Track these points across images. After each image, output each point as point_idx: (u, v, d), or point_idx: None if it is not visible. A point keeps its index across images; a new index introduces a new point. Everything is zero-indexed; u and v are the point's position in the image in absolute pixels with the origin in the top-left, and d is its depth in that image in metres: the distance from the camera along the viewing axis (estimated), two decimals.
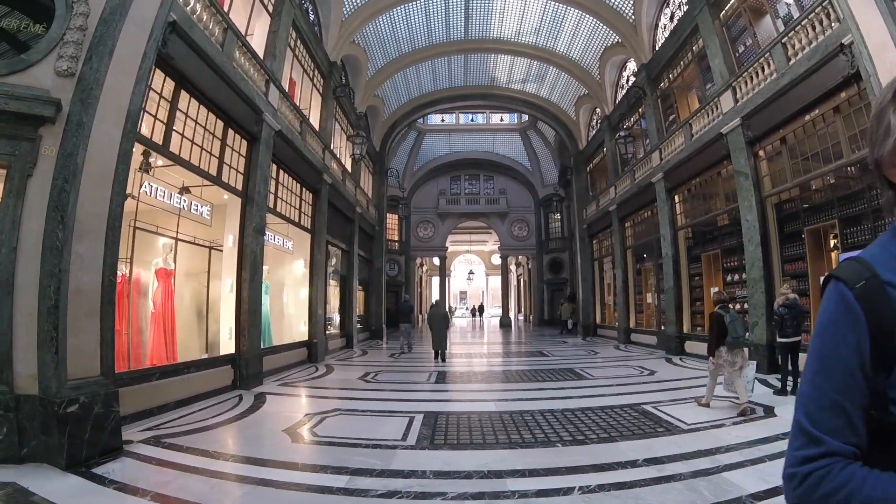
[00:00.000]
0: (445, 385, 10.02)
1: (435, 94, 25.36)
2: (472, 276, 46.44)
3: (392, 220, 32.11)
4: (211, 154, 9.59)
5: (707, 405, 7.43)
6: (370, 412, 7.53)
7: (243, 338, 10.01)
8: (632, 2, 16.48)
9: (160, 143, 7.92)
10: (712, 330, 7.59)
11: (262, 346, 11.46)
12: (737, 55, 12.38)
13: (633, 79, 17.97)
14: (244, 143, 10.78)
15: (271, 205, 12.27)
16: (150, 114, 7.67)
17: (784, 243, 10.55)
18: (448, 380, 10.66)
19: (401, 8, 18.53)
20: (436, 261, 37.11)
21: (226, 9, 10.41)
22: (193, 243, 10.03)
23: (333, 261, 18.09)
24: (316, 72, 16.39)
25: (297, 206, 14.34)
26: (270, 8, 12.56)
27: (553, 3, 18.28)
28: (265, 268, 12.77)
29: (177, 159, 8.40)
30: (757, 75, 10.85)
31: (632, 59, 18.33)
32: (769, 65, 10.44)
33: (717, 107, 12.28)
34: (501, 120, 33.50)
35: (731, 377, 7.26)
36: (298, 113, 13.84)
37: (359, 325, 22.06)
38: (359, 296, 22.78)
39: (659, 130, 16.14)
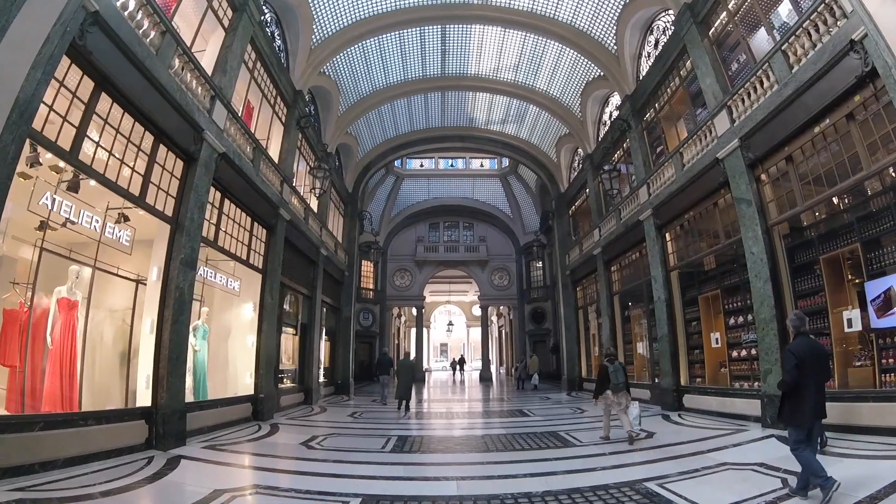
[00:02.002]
0: (402, 455, 8.13)
1: (411, 136, 24.44)
2: (452, 328, 44.37)
3: (367, 267, 30.59)
4: (134, 170, 8.22)
5: (607, 438, 8.67)
6: (295, 494, 5.68)
7: (161, 389, 8.32)
8: (614, 31, 15.63)
9: (67, 148, 6.68)
10: (598, 378, 9.21)
11: (194, 399, 10.15)
12: (729, 74, 11.31)
13: (615, 113, 16.98)
14: (179, 162, 9.41)
15: (212, 237, 10.78)
16: (59, 114, 6.61)
17: (796, 277, 9.08)
18: (408, 447, 8.77)
19: (374, 40, 17.58)
20: (414, 311, 35.35)
21: (170, 14, 9.22)
22: (116, 275, 8.74)
23: (289, 306, 16.29)
24: (278, 99, 15.15)
25: (247, 243, 12.72)
26: (226, 22, 11.45)
27: (533, 36, 17.49)
28: (204, 310, 11.38)
29: (87, 171, 7.11)
30: (755, 90, 9.70)
31: (615, 94, 17.44)
32: (768, 77, 9.31)
33: (711, 130, 11.08)
34: (482, 165, 32.64)
35: (619, 414, 8.61)
36: (251, 138, 12.47)
37: (323, 379, 20.11)
38: (324, 346, 20.89)
39: (646, 164, 14.96)
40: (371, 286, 30.89)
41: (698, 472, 6.20)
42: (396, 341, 41.69)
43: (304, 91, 16.26)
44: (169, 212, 9.04)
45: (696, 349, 12.40)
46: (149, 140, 8.56)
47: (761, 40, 10.72)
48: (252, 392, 12.43)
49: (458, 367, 35.07)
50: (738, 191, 10.02)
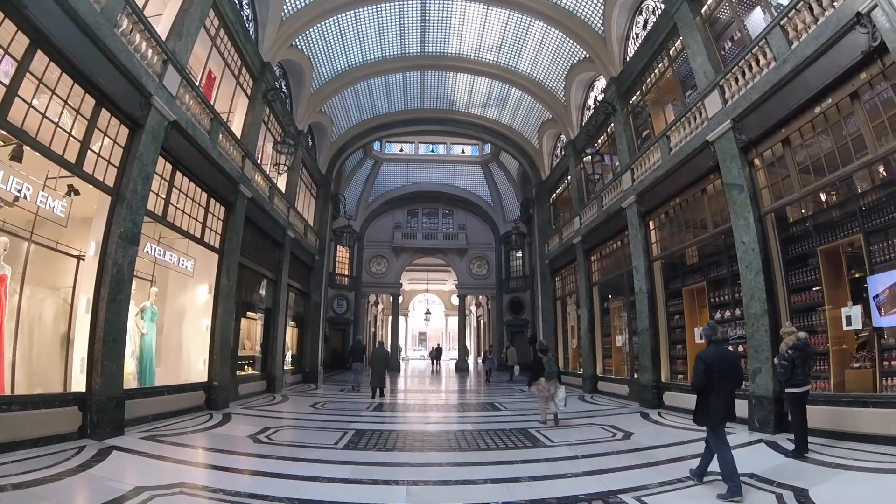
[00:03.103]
0: (355, 453, 7.34)
1: (389, 117, 23.45)
2: (430, 316, 43.64)
3: (342, 252, 29.64)
4: (70, 135, 7.39)
5: (545, 423, 9.82)
6: (223, 496, 4.90)
7: (96, 373, 7.58)
8: (601, 11, 14.84)
9: None
10: (534, 367, 10.41)
11: (139, 385, 9.53)
12: (722, 53, 10.61)
13: (600, 97, 16.22)
14: (123, 130, 8.52)
15: (160, 212, 9.86)
16: None
17: (790, 269, 8.43)
18: (363, 443, 7.98)
19: (350, 14, 16.58)
20: (391, 298, 34.54)
21: None
22: (55, 249, 8.06)
23: (250, 289, 15.35)
24: (243, 70, 14.10)
25: (202, 220, 11.77)
26: None
27: (517, 15, 16.65)
28: (153, 290, 10.57)
29: (18, 134, 6.54)
30: (750, 68, 9.01)
31: (600, 77, 16.70)
32: (765, 54, 8.63)
33: (702, 112, 10.38)
34: (463, 152, 31.68)
35: (548, 400, 9.92)
36: (209, 108, 11.52)
37: (290, 367, 19.25)
38: (292, 333, 20.00)
39: (630, 149, 14.23)
40: (346, 272, 29.93)
41: (681, 482, 5.52)
42: (373, 329, 40.83)
43: (272, 64, 15.23)
44: (110, 182, 8.23)
45: (678, 344, 11.78)
46: (89, 104, 7.75)
47: (757, 18, 10.08)
48: (206, 379, 11.58)
49: (435, 357, 34.36)
50: (729, 176, 9.34)
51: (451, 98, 22.63)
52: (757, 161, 9.10)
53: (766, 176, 8.97)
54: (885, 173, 7.13)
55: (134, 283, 9.38)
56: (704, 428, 5.49)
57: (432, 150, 31.93)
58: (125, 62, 7.93)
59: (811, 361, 6.70)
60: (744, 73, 9.19)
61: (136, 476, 5.66)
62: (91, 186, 7.88)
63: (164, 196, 10.05)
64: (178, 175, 10.60)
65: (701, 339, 5.63)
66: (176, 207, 10.58)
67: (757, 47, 8.78)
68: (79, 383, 7.59)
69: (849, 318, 7.20)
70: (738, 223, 9.01)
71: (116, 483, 5.15)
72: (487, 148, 29.84)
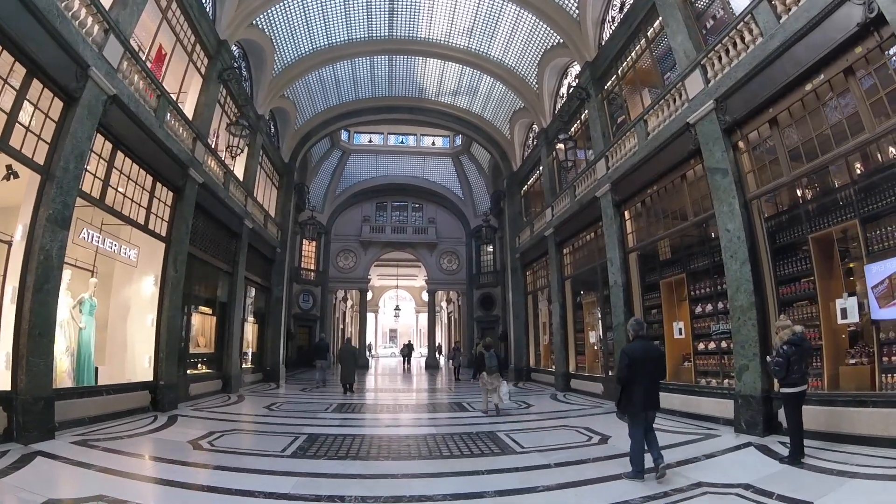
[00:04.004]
0: (302, 462, 6.48)
1: (356, 104, 22.52)
2: (399, 313, 42.69)
3: (308, 247, 28.57)
4: None
5: (486, 412, 10.51)
6: None
7: (21, 370, 6.85)
8: None
9: None
10: (476, 363, 11.84)
11: (75, 384, 8.80)
12: (703, 32, 10.03)
13: (574, 84, 15.55)
14: (57, 102, 7.68)
15: (97, 195, 8.97)
16: None
17: (778, 259, 7.86)
18: (313, 451, 7.11)
19: None
20: (359, 294, 33.54)
21: None
22: None
23: (202, 282, 14.30)
24: (197, 47, 13.04)
25: (147, 206, 10.77)
26: None
27: None
28: (92, 281, 9.69)
29: None
30: (735, 45, 8.41)
31: (574, 64, 16.08)
32: (751, 30, 8.04)
33: (682, 93, 9.77)
34: (433, 144, 30.80)
35: (491, 392, 10.56)
36: (156, 85, 10.53)
37: (250, 366, 18.24)
38: (252, 330, 18.96)
39: (605, 136, 13.60)
40: (312, 267, 28.87)
41: (669, 496, 4.82)
42: (342, 326, 39.77)
43: (230, 42, 14.20)
44: (40, 160, 7.41)
45: (656, 340, 11.03)
46: (19, 74, 6.96)
47: None
48: (151, 378, 10.62)
49: (405, 354, 33.38)
50: (711, 160, 8.73)
51: (421, 86, 21.81)
52: (741, 144, 8.51)
53: (752, 159, 8.38)
54: (882, 154, 6.55)
55: (70, 272, 8.83)
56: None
57: (402, 142, 30.97)
58: (60, 28, 7.20)
59: (808, 358, 6.10)
60: (728, 51, 8.59)
61: (52, 487, 5.05)
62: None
63: (102, 178, 9.16)
64: (120, 155, 9.68)
65: (630, 334, 5.74)
66: (116, 190, 9.74)
67: (742, 22, 8.19)
68: (4, 381, 6.85)
69: (844, 311, 6.64)
70: (721, 210, 8.41)
71: (28, 494, 4.56)
72: (459, 140, 29.07)
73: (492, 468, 6.09)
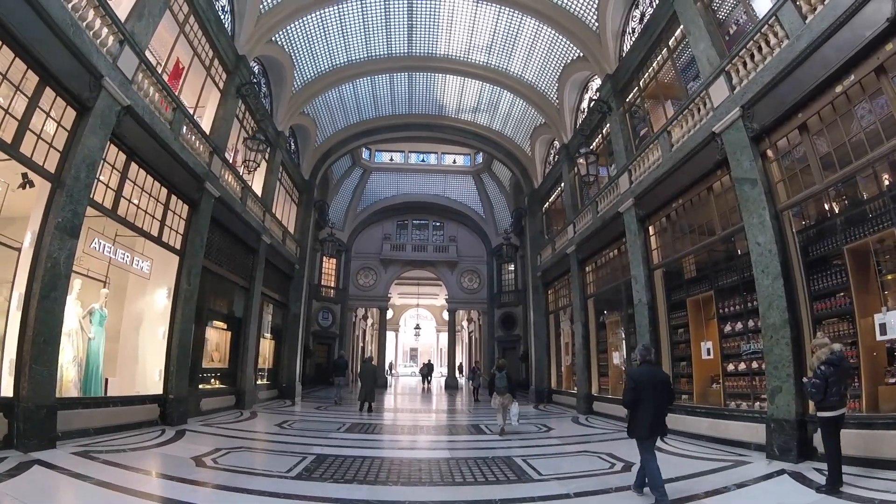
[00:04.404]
0: (305, 485, 6.13)
1: (376, 122, 22.52)
2: (420, 332, 42.34)
3: (329, 264, 28.55)
4: (8, 112, 6.73)
5: (500, 434, 10.41)
6: None
7: (24, 377, 6.78)
8: (595, 6, 13.97)
9: None
10: (490, 383, 11.79)
11: (81, 394, 8.72)
12: (726, 38, 9.68)
13: (595, 97, 15.24)
14: (70, 112, 7.74)
15: (110, 205, 8.96)
16: None
17: (812, 272, 7.36)
18: (319, 473, 6.76)
19: (333, 9, 15.69)
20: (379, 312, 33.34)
21: None
22: None
23: (218, 297, 14.21)
24: (216, 62, 13.13)
25: (160, 218, 10.73)
26: None
27: (507, 12, 15.81)
28: (104, 292, 9.60)
29: None
30: (760, 49, 8.05)
31: (595, 78, 15.78)
32: (776, 33, 7.70)
33: (706, 102, 9.39)
34: (454, 162, 30.71)
35: (503, 412, 10.83)
36: (172, 97, 10.58)
37: (265, 382, 18.05)
38: (268, 346, 18.81)
39: (628, 149, 13.22)
40: (332, 284, 28.81)
41: None
42: (362, 344, 39.53)
43: (249, 58, 14.32)
44: (51, 168, 7.42)
45: (682, 361, 10.64)
46: (32, 81, 7.01)
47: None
48: (161, 392, 10.46)
49: (425, 374, 32.78)
50: (739, 170, 8.30)
51: (440, 102, 21.72)
52: (770, 152, 8.08)
53: (782, 168, 7.94)
54: None
55: (81, 282, 8.78)
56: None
57: (423, 160, 30.93)
58: (73, 38, 7.31)
59: (848, 379, 5.59)
60: (752, 56, 8.23)
61: (43, 497, 4.91)
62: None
63: (115, 188, 9.16)
64: (134, 166, 9.69)
65: (637, 359, 5.81)
66: (129, 202, 9.71)
67: (766, 25, 7.84)
68: (7, 387, 6.78)
69: (883, 326, 6.11)
70: (751, 222, 7.94)
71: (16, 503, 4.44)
72: (480, 158, 28.91)
73: (506, 497, 5.67)
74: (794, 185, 7.70)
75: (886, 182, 6.49)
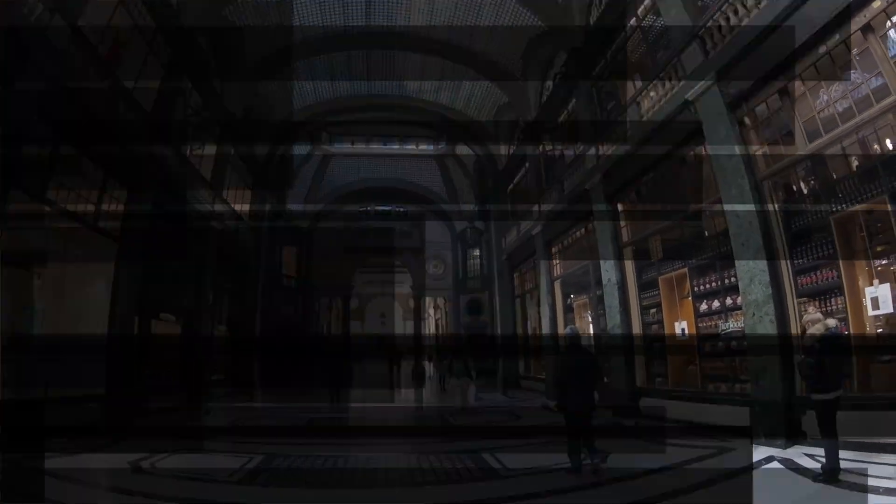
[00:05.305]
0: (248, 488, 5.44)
1: (335, 104, 21.48)
2: (384, 321, 41.59)
3: (289, 252, 27.38)
4: None
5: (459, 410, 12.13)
6: None
7: None
8: None
9: None
10: (449, 368, 14.17)
11: None
12: (700, 3, 9.15)
13: (561, 73, 14.65)
14: None
15: None
16: None
17: (796, 245, 6.94)
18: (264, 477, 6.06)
19: None
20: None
21: None
22: None
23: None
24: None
25: None
26: None
27: None
28: None
29: None
30: (736, 12, 7.51)
31: (560, 54, 15.16)
32: None
33: (678, 69, 8.88)
34: (417, 146, 29.75)
35: (462, 393, 12.66)
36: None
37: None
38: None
39: (594, 125, 12.69)
40: (293, 273, 27.71)
41: None
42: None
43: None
44: None
45: (656, 342, 10.22)
46: None
47: None
48: None
49: (394, 364, 31.92)
50: (715, 138, 7.81)
51: (402, 83, 20.87)
52: (748, 119, 7.63)
53: (763, 134, 7.48)
54: None
55: None
56: None
57: (385, 145, 29.91)
58: None
59: (844, 358, 5.15)
60: (728, 19, 7.71)
61: None
62: None
63: None
64: None
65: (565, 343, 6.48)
66: None
67: None
68: None
69: (875, 301, 5.71)
70: (729, 194, 7.47)
71: None
72: (443, 142, 28.11)
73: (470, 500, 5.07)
74: (776, 153, 7.25)
75: (876, 148, 6.06)
